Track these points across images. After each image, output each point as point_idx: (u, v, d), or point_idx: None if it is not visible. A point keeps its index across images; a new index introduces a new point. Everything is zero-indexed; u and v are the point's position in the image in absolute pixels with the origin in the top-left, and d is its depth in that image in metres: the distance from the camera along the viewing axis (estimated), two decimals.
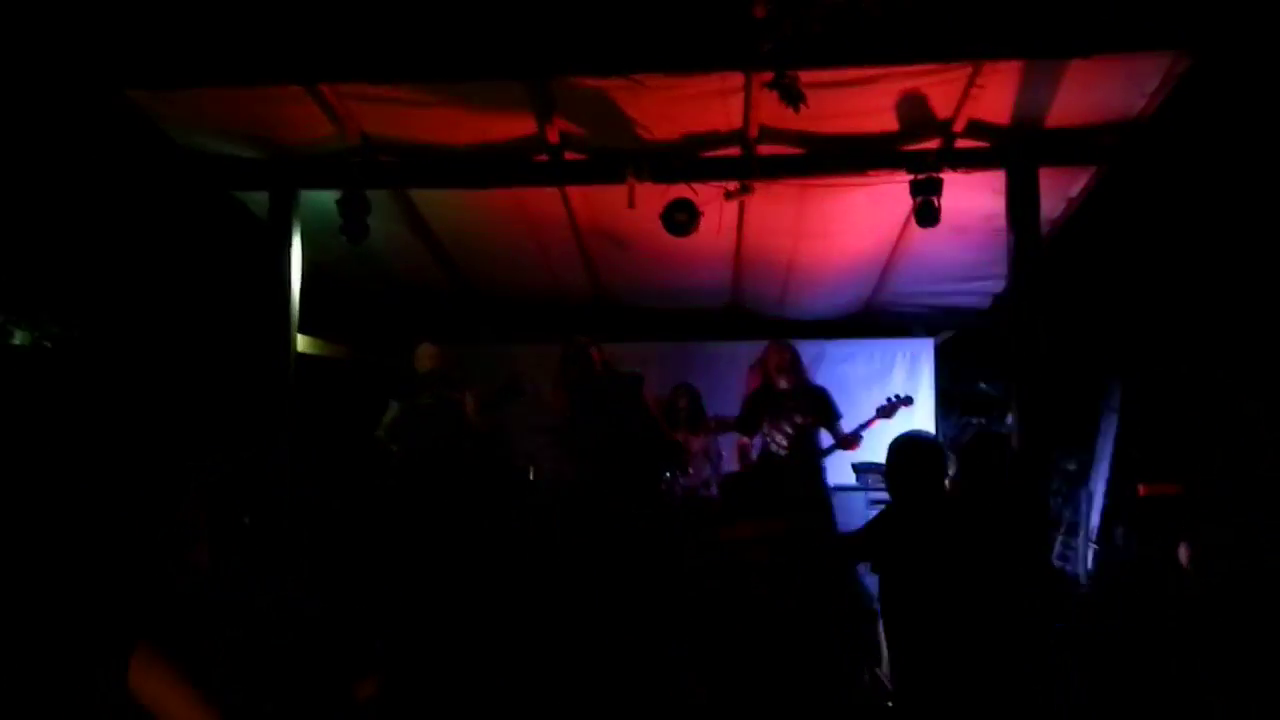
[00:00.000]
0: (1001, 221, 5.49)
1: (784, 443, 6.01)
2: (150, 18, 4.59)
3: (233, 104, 5.06)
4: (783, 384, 6.05)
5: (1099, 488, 6.82)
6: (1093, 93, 4.92)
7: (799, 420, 6.01)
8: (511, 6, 4.55)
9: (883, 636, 3.16)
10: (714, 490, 6.14)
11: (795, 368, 6.09)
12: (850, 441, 6.00)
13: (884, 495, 6.57)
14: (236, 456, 5.21)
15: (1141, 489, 5.08)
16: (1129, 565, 5.88)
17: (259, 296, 5.64)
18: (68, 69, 4.85)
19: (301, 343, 5.85)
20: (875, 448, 5.56)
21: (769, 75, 4.53)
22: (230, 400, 5.81)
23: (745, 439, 6.29)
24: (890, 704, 3.08)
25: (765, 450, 6.13)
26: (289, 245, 5.64)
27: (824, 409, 6.09)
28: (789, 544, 3.01)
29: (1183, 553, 3.78)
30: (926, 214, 5.38)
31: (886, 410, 6.00)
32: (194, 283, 6.42)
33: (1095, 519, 6.62)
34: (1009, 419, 5.47)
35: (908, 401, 6.12)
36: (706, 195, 5.51)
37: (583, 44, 4.57)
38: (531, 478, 6.94)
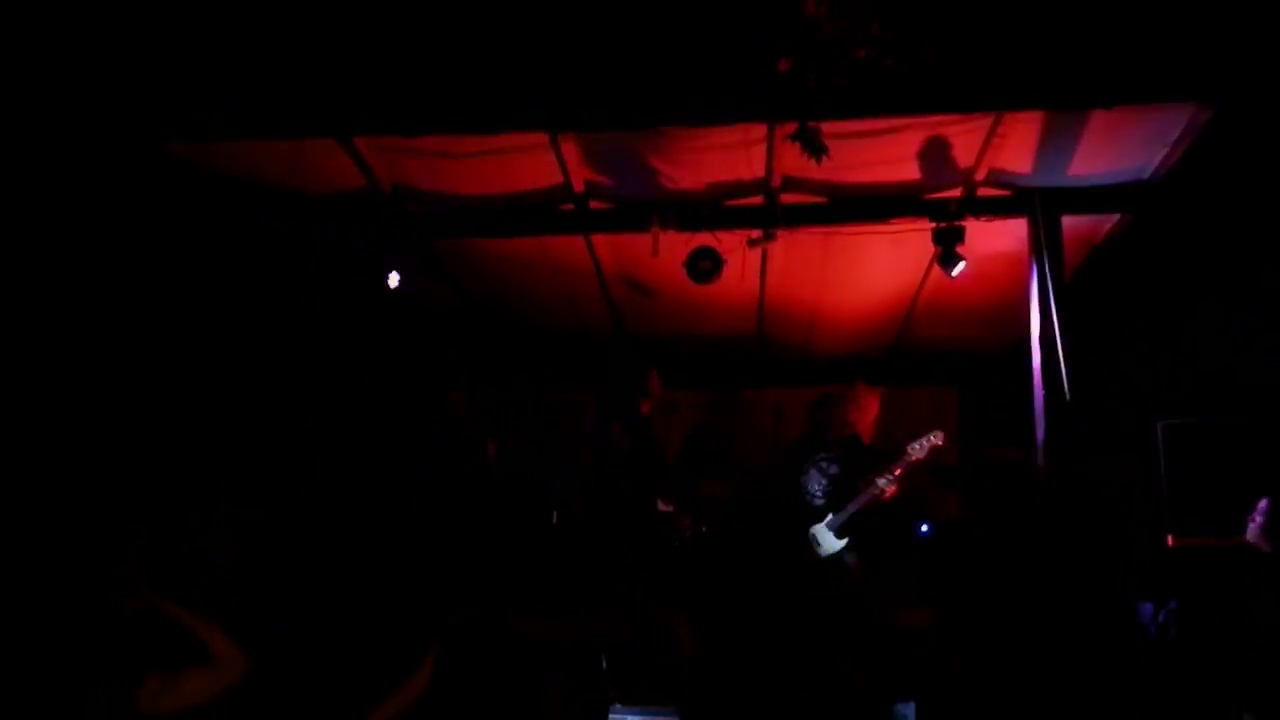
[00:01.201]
0: (1025, 268, 5.50)
1: (819, 492, 5.81)
2: (189, 72, 4.72)
3: (268, 155, 5.18)
4: (841, 434, 5.84)
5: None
6: (1115, 142, 4.95)
7: (836, 470, 5.80)
8: (538, 60, 4.64)
9: None
10: None
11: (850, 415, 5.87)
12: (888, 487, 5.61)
13: None
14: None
15: (1170, 540, 5.03)
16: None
17: (288, 342, 5.74)
18: (109, 122, 4.98)
19: (330, 386, 5.92)
20: None
21: (792, 126, 4.59)
22: (258, 442, 5.88)
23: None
24: None
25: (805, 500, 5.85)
26: (318, 291, 5.73)
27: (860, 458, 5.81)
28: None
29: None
30: (949, 261, 5.41)
31: (919, 449, 5.57)
32: (224, 329, 6.52)
33: None
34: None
35: (938, 436, 5.63)
36: (730, 243, 5.56)
37: (608, 96, 4.65)
38: (555, 522, 6.98)
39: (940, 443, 5.48)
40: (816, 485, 5.85)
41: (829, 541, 5.71)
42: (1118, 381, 6.31)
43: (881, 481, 5.55)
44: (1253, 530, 4.35)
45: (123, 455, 5.14)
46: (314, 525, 5.51)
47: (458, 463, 6.36)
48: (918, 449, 5.54)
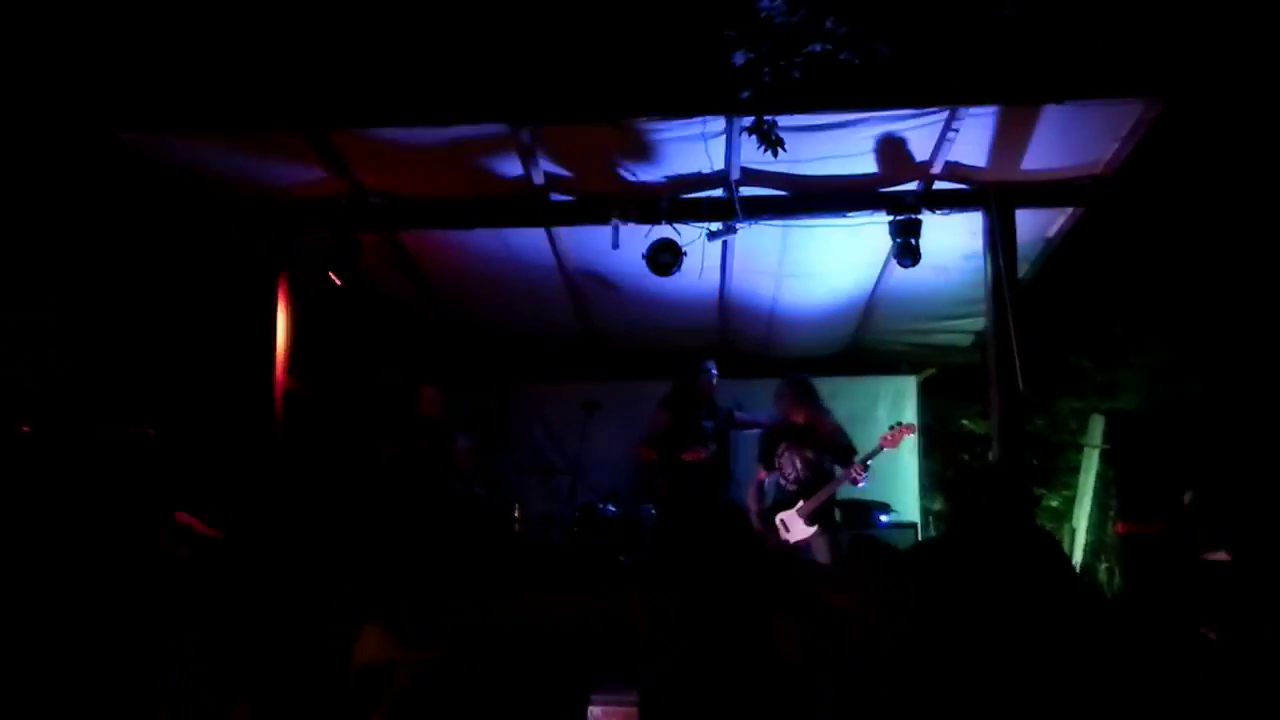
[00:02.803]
0: (980, 261, 5.58)
1: (793, 477, 5.91)
2: (146, 64, 4.69)
3: (226, 148, 5.14)
4: (798, 419, 5.96)
5: (1081, 524, 6.87)
6: (1068, 137, 5.02)
7: (810, 455, 5.90)
8: (500, 54, 4.66)
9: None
10: None
11: (807, 402, 5.99)
12: (857, 474, 5.75)
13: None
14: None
15: (1120, 527, 5.14)
16: (1113, 600, 5.91)
17: (249, 336, 5.70)
18: (66, 112, 4.93)
19: (290, 381, 5.89)
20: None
21: (749, 120, 4.64)
22: (220, 437, 5.85)
23: (762, 474, 6.12)
24: None
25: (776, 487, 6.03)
26: (278, 286, 5.70)
27: (836, 444, 5.92)
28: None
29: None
30: (906, 254, 5.47)
31: (891, 439, 5.83)
32: (186, 322, 6.48)
33: (1078, 555, 6.66)
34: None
35: (910, 428, 5.98)
36: (690, 236, 5.59)
37: (568, 89, 4.67)
38: (517, 514, 7.03)
39: (911, 433, 5.86)
40: (791, 469, 5.92)
41: (799, 529, 5.78)
42: (1069, 372, 6.43)
43: (855, 470, 5.73)
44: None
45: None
46: (284, 526, 5.49)
47: (427, 462, 6.39)
48: (890, 439, 5.80)
